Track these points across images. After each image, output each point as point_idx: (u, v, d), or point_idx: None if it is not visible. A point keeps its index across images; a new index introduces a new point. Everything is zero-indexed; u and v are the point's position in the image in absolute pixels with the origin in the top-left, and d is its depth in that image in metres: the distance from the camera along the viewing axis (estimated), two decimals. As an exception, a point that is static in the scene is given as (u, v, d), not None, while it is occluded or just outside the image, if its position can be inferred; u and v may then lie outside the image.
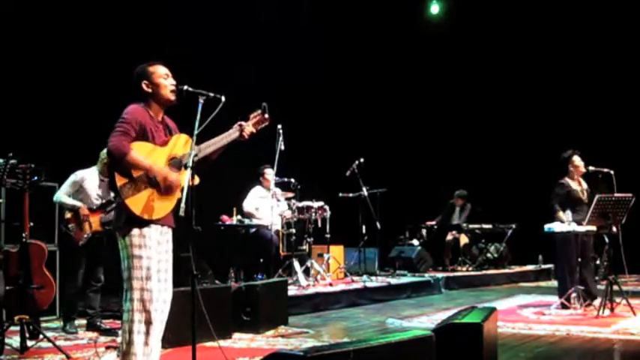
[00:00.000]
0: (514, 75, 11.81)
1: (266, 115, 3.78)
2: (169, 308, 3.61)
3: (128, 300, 3.41)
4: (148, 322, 3.40)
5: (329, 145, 10.82)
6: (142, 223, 3.42)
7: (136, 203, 3.39)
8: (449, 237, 11.17)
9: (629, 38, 10.89)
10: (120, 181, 3.37)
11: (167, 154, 3.55)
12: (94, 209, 5.75)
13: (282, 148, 7.80)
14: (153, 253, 3.46)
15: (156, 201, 3.45)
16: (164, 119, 3.66)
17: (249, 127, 3.68)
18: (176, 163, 3.56)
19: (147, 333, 3.40)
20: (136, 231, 3.42)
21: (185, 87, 3.64)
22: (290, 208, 8.26)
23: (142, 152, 3.41)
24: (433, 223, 11.40)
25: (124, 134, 3.36)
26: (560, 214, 6.69)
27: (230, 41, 9.34)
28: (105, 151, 5.76)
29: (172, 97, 3.59)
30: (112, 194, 5.27)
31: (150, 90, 3.56)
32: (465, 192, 11.28)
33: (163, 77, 3.58)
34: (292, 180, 8.33)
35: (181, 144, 3.61)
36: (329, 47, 10.98)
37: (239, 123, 3.66)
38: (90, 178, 5.81)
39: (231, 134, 3.64)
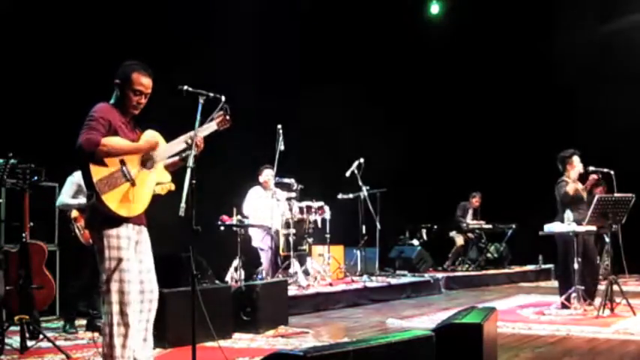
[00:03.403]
0: (514, 74, 11.81)
1: (227, 117, 3.73)
2: (157, 307, 3.59)
3: (107, 303, 3.38)
4: (127, 325, 3.38)
5: (329, 145, 10.81)
6: (118, 222, 3.39)
7: (112, 199, 3.34)
8: (460, 240, 11.17)
9: (628, 37, 10.88)
10: (96, 176, 3.31)
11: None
12: None
13: (282, 148, 7.79)
14: (131, 254, 3.43)
15: (132, 197, 3.43)
16: (132, 118, 3.63)
17: (199, 137, 3.61)
18: (148, 160, 3.55)
19: (125, 335, 3.38)
20: (113, 231, 3.38)
21: (185, 87, 3.64)
22: (290, 208, 8.26)
23: (113, 141, 3.38)
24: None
25: (93, 129, 3.32)
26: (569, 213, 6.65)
27: (230, 42, 9.33)
28: None
29: (135, 112, 3.58)
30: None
31: (118, 93, 3.53)
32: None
33: (136, 92, 3.51)
34: (292, 180, 8.33)
35: (152, 139, 3.59)
36: (329, 46, 10.96)
37: (189, 135, 3.59)
38: None
39: (180, 144, 3.60)
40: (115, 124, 3.43)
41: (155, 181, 3.56)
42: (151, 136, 3.59)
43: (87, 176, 3.34)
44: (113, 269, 3.37)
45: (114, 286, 3.37)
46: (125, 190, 3.40)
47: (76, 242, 5.76)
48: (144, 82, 3.51)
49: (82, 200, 5.75)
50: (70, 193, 5.81)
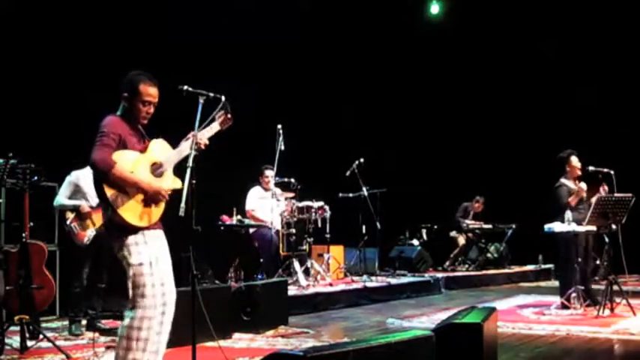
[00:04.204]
0: (514, 75, 11.81)
1: (229, 115, 3.75)
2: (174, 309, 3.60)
3: (130, 308, 3.42)
4: (148, 329, 3.41)
5: (329, 145, 10.82)
6: (136, 231, 3.43)
7: (128, 212, 3.39)
8: (462, 240, 11.19)
9: (628, 38, 10.89)
10: (109, 191, 3.36)
11: (149, 161, 3.56)
12: (95, 207, 5.72)
13: (282, 148, 7.79)
14: (152, 259, 3.46)
15: (148, 207, 3.46)
16: (137, 127, 3.64)
17: (203, 138, 3.64)
18: (158, 169, 3.57)
19: (146, 340, 3.40)
20: (131, 239, 3.43)
21: (185, 87, 3.65)
22: (290, 208, 8.26)
23: (126, 163, 3.40)
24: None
25: (106, 146, 3.35)
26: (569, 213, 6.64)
27: (230, 41, 9.34)
28: None
29: (143, 122, 3.61)
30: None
31: (126, 105, 3.55)
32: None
33: (145, 103, 3.53)
34: (292, 180, 8.33)
35: (159, 149, 3.62)
36: (329, 47, 10.97)
37: (192, 134, 3.61)
38: (85, 176, 5.78)
39: (188, 149, 3.59)
40: (125, 137, 3.46)
41: (166, 188, 3.57)
42: (160, 153, 3.60)
43: (100, 191, 3.39)
44: (136, 274, 3.42)
45: (137, 291, 3.41)
46: (139, 200, 3.43)
47: (72, 243, 5.74)
48: (151, 92, 3.55)
49: (78, 201, 5.74)
50: (66, 193, 5.78)
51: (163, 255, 3.59)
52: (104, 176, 3.35)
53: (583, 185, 6.87)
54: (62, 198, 5.79)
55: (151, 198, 3.46)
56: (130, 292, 3.44)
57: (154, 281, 3.44)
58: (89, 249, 5.72)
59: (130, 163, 3.42)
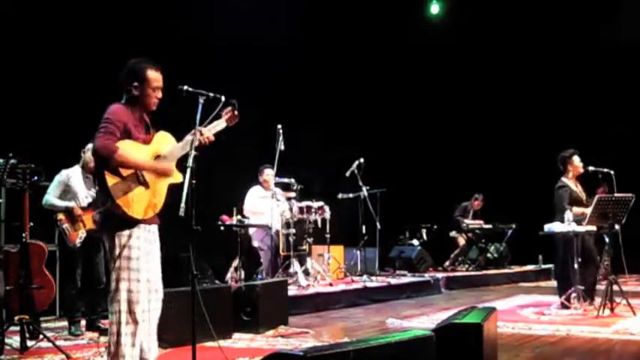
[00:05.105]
0: (514, 75, 11.81)
1: (236, 112, 3.76)
2: (161, 307, 3.59)
3: (115, 301, 3.38)
4: (135, 323, 3.38)
5: (329, 145, 10.82)
6: (132, 224, 3.41)
7: (127, 203, 3.37)
8: (462, 240, 11.21)
9: (628, 36, 10.88)
10: (110, 180, 3.35)
11: (152, 152, 3.55)
12: (85, 208, 5.68)
13: (282, 148, 7.79)
14: (141, 254, 3.44)
15: (147, 200, 3.45)
16: (143, 116, 3.64)
17: (208, 133, 3.64)
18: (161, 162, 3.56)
19: (134, 334, 3.38)
20: (125, 231, 3.40)
21: (185, 87, 3.65)
22: (290, 208, 8.26)
23: (128, 150, 3.39)
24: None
25: (110, 134, 3.33)
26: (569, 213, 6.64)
27: (233, 41, 9.33)
28: (88, 146, 5.73)
29: (154, 107, 3.60)
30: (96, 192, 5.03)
31: (137, 94, 3.52)
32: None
33: (154, 88, 3.54)
34: (292, 180, 8.33)
35: (164, 141, 3.62)
36: (329, 47, 10.97)
37: (198, 129, 3.60)
38: (75, 176, 5.75)
39: (193, 141, 3.58)
40: (129, 126, 3.44)
41: (168, 182, 3.58)
42: (165, 146, 3.59)
43: (102, 180, 3.37)
44: (123, 268, 3.39)
45: (123, 285, 3.38)
46: (139, 193, 3.42)
47: (63, 245, 5.72)
48: (158, 77, 3.57)
49: (70, 203, 5.67)
50: (56, 193, 5.70)
51: (153, 251, 3.57)
52: (106, 163, 3.33)
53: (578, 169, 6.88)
54: (52, 198, 5.69)
55: (157, 174, 3.48)
56: (113, 284, 3.39)
57: (139, 277, 3.41)
58: (81, 250, 5.69)
59: (132, 151, 3.41)
